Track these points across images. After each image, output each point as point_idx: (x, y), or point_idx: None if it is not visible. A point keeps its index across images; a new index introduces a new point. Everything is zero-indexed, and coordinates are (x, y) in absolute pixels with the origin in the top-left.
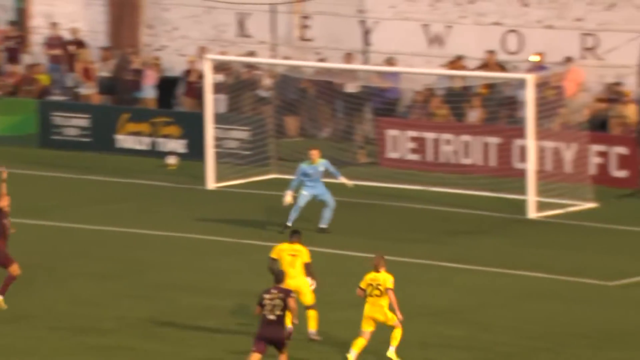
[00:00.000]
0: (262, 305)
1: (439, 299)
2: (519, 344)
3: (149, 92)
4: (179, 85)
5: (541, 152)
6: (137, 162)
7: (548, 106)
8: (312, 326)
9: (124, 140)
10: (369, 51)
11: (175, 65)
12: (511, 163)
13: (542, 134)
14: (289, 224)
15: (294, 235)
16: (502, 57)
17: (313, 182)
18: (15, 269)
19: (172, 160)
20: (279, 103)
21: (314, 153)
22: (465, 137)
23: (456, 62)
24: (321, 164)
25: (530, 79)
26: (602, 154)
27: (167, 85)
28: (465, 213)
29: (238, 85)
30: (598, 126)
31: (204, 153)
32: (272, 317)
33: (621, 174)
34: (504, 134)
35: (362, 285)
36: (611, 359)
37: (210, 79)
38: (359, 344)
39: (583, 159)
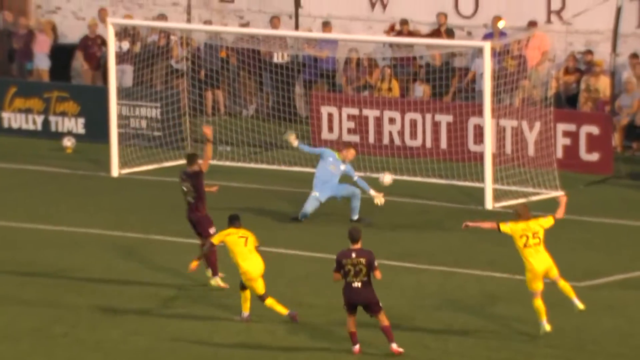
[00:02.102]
0: (344, 272)
1: (382, 302)
2: (477, 354)
3: (41, 61)
4: (76, 54)
5: (500, 132)
6: (27, 144)
7: (508, 79)
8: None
9: (11, 119)
10: (300, 15)
11: (72, 31)
12: (465, 145)
13: (501, 111)
14: (303, 217)
15: (236, 220)
16: (454, 21)
17: (328, 178)
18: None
19: (68, 143)
20: (195, 75)
21: (352, 153)
22: (412, 115)
23: (402, 28)
24: (348, 166)
25: (488, 46)
26: (570, 134)
27: (62, 54)
28: (412, 203)
29: (147, 54)
30: (566, 102)
31: (106, 134)
32: (357, 284)
33: (592, 157)
34: (456, 111)
35: (505, 229)
36: None
37: (113, 46)
38: (542, 309)
39: (548, 140)
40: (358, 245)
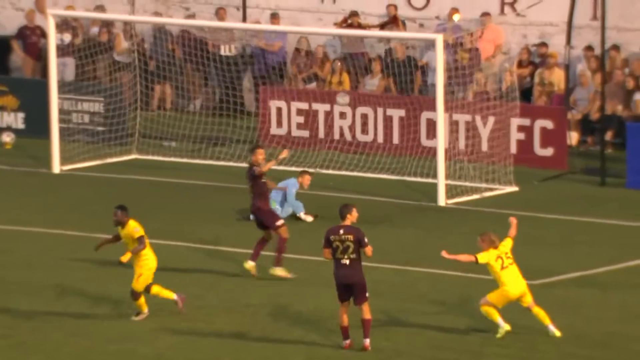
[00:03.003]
0: (332, 248)
1: (331, 303)
2: (429, 355)
3: None
4: (15, 46)
5: (453, 126)
6: None
7: (461, 72)
8: (171, 295)
9: None
10: (247, 6)
11: (10, 22)
12: (418, 140)
13: (455, 105)
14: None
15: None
16: (406, 13)
17: (280, 199)
18: (284, 231)
19: (7, 138)
20: (142, 68)
21: (309, 179)
22: (363, 110)
23: (352, 20)
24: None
25: (440, 39)
26: (524, 129)
27: (0, 46)
28: (363, 199)
29: (89, 46)
30: (520, 95)
31: (47, 129)
32: (345, 261)
33: (546, 152)
34: (409, 105)
35: (483, 260)
36: None
37: (54, 38)
38: (493, 311)
39: (502, 135)
40: (346, 223)
